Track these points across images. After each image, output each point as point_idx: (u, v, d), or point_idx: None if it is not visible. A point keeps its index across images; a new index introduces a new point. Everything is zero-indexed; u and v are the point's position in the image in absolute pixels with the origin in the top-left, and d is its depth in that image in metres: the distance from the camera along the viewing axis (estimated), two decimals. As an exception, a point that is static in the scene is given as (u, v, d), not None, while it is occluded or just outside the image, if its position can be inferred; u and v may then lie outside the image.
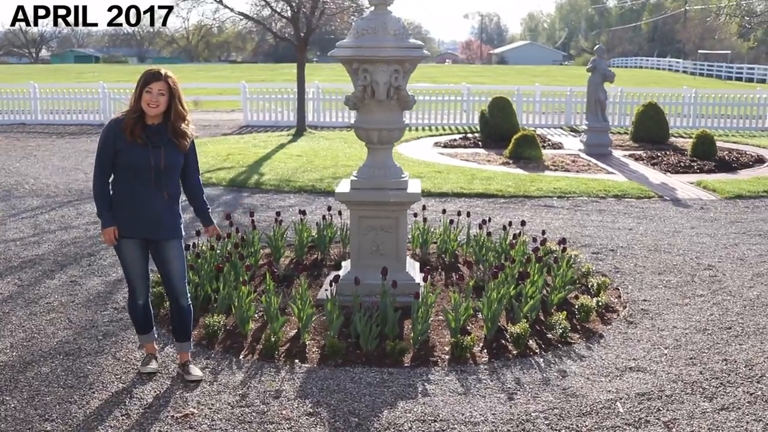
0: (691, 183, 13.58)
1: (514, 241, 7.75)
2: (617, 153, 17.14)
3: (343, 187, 7.15)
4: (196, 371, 5.38)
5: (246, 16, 19.87)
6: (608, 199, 12.09)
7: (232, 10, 18.99)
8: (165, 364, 5.57)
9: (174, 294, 5.34)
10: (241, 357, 5.75)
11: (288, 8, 18.48)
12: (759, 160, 16.11)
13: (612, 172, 14.59)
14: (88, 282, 7.55)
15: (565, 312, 6.44)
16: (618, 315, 6.77)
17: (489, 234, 8.14)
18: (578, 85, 26.55)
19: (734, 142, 19.26)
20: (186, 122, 5.15)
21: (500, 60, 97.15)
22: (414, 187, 7.12)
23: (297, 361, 5.68)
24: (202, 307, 6.68)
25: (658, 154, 16.57)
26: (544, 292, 6.95)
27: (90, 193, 11.93)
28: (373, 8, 6.92)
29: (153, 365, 5.47)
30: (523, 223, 8.37)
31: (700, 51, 66.89)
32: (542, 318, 6.60)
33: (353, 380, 5.33)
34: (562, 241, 7.65)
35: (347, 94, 7.02)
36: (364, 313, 5.98)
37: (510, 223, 8.46)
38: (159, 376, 5.37)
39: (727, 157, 15.90)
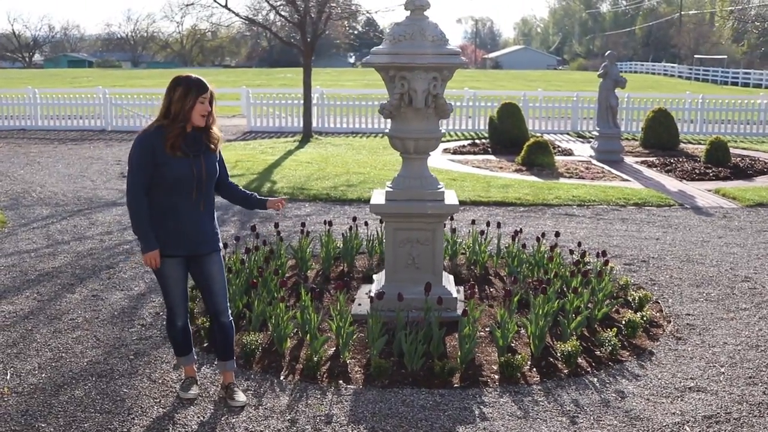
0: (709, 190, 13.40)
1: (551, 254, 7.52)
2: (629, 160, 16.96)
3: (378, 198, 6.92)
4: (240, 396, 5.10)
5: (252, 21, 19.64)
6: (628, 207, 11.89)
7: (238, 15, 18.72)
8: (204, 386, 5.32)
9: (216, 310, 5.07)
10: (281, 377, 5.50)
11: (295, 13, 18.24)
12: (773, 167, 15.95)
13: (627, 180, 14.40)
14: (111, 296, 7.29)
15: (615, 329, 6.21)
16: (664, 330, 6.55)
17: (524, 246, 7.91)
18: (580, 90, 26.46)
19: (744, 149, 19.11)
20: (217, 126, 5.00)
21: (494, 65, 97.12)
22: (451, 198, 6.89)
23: (341, 381, 5.44)
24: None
25: (671, 160, 16.39)
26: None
27: (101, 203, 11.68)
28: (409, 13, 6.71)
29: (194, 390, 5.19)
30: (557, 234, 8.14)
31: (696, 56, 66.96)
32: (587, 334, 6.38)
33: (405, 403, 5.08)
34: (603, 253, 7.43)
35: (382, 102, 6.80)
36: (410, 331, 5.74)
37: (543, 234, 8.22)
38: (200, 400, 5.12)
39: (741, 164, 15.73)
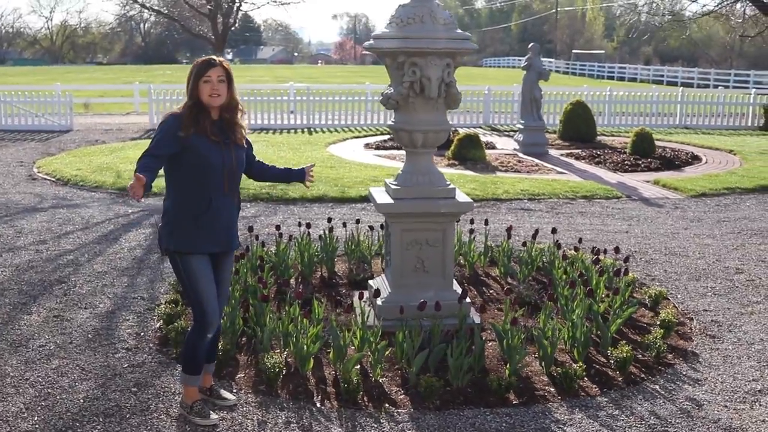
0: (647, 181, 13.40)
1: (564, 253, 7.11)
2: (553, 152, 16.88)
3: (383, 197, 6.29)
4: (228, 394, 4.86)
5: (160, 13, 18.46)
6: (578, 200, 11.69)
7: (144, 6, 17.54)
8: (238, 421, 4.59)
9: (221, 311, 4.82)
10: (317, 404, 4.83)
11: (207, 4, 17.26)
12: (695, 158, 16.21)
13: (563, 172, 14.26)
14: (76, 316, 6.37)
15: (662, 330, 5.84)
16: (692, 329, 6.24)
17: (524, 244, 7.49)
18: (472, 85, 26.44)
19: (658, 139, 19.37)
20: (241, 112, 4.60)
21: (374, 60, 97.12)
22: (462, 195, 6.35)
23: (387, 405, 4.82)
24: (236, 343, 5.69)
25: (598, 152, 16.41)
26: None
27: (19, 208, 10.58)
28: (414, -5, 6.12)
29: (214, 416, 4.59)
30: (554, 230, 7.74)
31: (573, 51, 68.89)
32: (617, 337, 5.98)
33: (476, 427, 4.52)
34: (616, 249, 7.08)
35: (386, 92, 6.20)
36: (457, 343, 5.18)
37: (537, 231, 7.82)
38: (241, 437, 4.39)
39: (666, 155, 15.90)
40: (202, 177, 4.39)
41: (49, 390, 4.99)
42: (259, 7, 18.33)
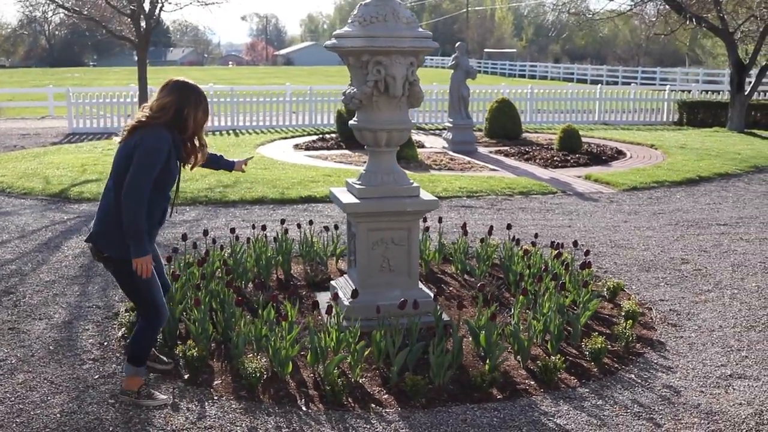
0: (579, 177, 13.70)
1: (520, 250, 7.20)
2: (482, 150, 17.09)
3: (347, 197, 6.25)
4: (164, 358, 5.26)
5: (80, 14, 17.87)
6: (516, 196, 11.88)
7: (63, 7, 16.95)
8: (227, 428, 4.49)
9: (165, 287, 5.15)
10: (303, 407, 4.77)
11: (129, 4, 16.82)
12: (620, 152, 16.67)
13: (496, 169, 14.45)
14: (33, 328, 6.12)
15: (630, 321, 5.98)
16: (651, 318, 6.41)
17: (482, 240, 7.56)
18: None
19: (583, 135, 19.83)
20: None
21: (286, 61, 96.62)
22: (426, 193, 6.38)
23: (373, 405, 4.79)
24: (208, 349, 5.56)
25: (526, 149, 16.70)
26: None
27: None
28: (375, -7, 6.10)
29: (162, 396, 4.84)
30: (509, 226, 7.84)
31: (486, 50, 69.94)
32: (583, 329, 6.10)
33: (469, 424, 4.53)
34: (575, 243, 7.21)
35: (348, 91, 6.16)
36: (438, 341, 5.19)
37: (492, 228, 7.90)
38: (234, 445, 4.30)
39: (594, 151, 16.31)
40: (163, 191, 4.56)
41: (20, 406, 4.78)
42: (182, 8, 18.03)
